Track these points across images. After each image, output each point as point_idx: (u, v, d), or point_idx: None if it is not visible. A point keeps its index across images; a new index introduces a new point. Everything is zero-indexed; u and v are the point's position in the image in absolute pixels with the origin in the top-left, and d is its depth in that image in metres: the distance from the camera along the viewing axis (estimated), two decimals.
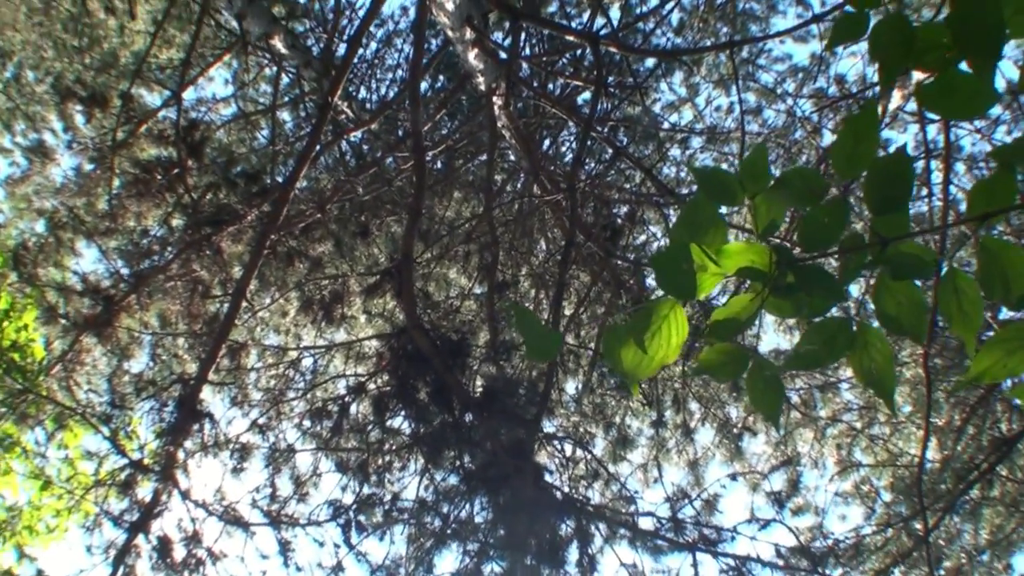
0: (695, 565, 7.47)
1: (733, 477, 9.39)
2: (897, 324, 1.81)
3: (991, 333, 1.74)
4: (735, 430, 10.60)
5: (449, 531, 7.14)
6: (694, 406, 10.77)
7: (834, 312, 1.87)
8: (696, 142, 11.43)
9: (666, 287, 1.86)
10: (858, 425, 10.93)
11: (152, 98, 11.26)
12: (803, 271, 1.80)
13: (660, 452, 10.40)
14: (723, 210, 1.95)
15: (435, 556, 7.11)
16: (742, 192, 1.87)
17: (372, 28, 11.13)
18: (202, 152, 8.90)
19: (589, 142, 9.36)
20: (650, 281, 10.12)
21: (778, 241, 1.82)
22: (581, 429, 9.83)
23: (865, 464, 10.84)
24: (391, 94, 11.84)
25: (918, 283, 1.81)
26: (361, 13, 10.26)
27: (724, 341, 1.93)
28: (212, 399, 8.57)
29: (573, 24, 10.24)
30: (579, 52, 9.83)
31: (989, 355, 1.73)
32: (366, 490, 7.81)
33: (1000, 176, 1.77)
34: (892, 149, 2.24)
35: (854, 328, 1.86)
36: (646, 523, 7.82)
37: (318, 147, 8.37)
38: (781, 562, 8.04)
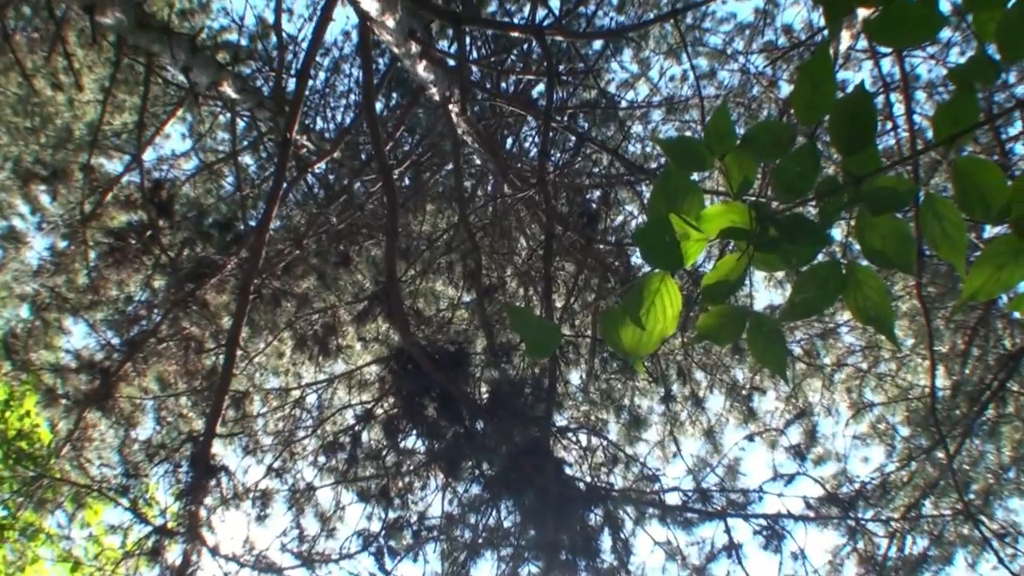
0: (728, 531, 7.50)
1: (750, 438, 9.42)
2: (884, 258, 1.82)
3: (978, 253, 1.76)
4: (744, 392, 10.62)
5: (480, 540, 7.15)
6: (700, 375, 10.80)
7: (822, 257, 1.88)
8: (656, 115, 11.46)
9: (653, 261, 1.87)
10: (864, 366, 10.97)
11: (113, 165, 11.24)
12: (784, 222, 1.81)
13: (674, 426, 10.42)
14: (696, 177, 1.96)
15: (471, 568, 7.12)
16: (711, 155, 1.88)
17: (318, 58, 11.13)
18: (171, 210, 8.90)
19: (551, 133, 9.37)
20: (635, 259, 10.15)
21: (755, 197, 1.83)
22: (592, 417, 9.84)
23: (877, 403, 10.88)
24: (348, 120, 11.83)
25: (899, 215, 1.82)
26: (305, 45, 10.25)
27: (718, 304, 1.94)
28: (224, 452, 8.57)
29: (516, 20, 10.25)
30: (526, 46, 9.85)
31: (980, 272, 1.74)
32: (392, 515, 7.81)
33: (960, 97, 1.78)
34: (850, 89, 2.25)
35: (844, 270, 1.87)
36: (673, 498, 7.84)
37: (285, 185, 8.35)
38: (812, 513, 8.07)
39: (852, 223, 1.84)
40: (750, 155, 1.87)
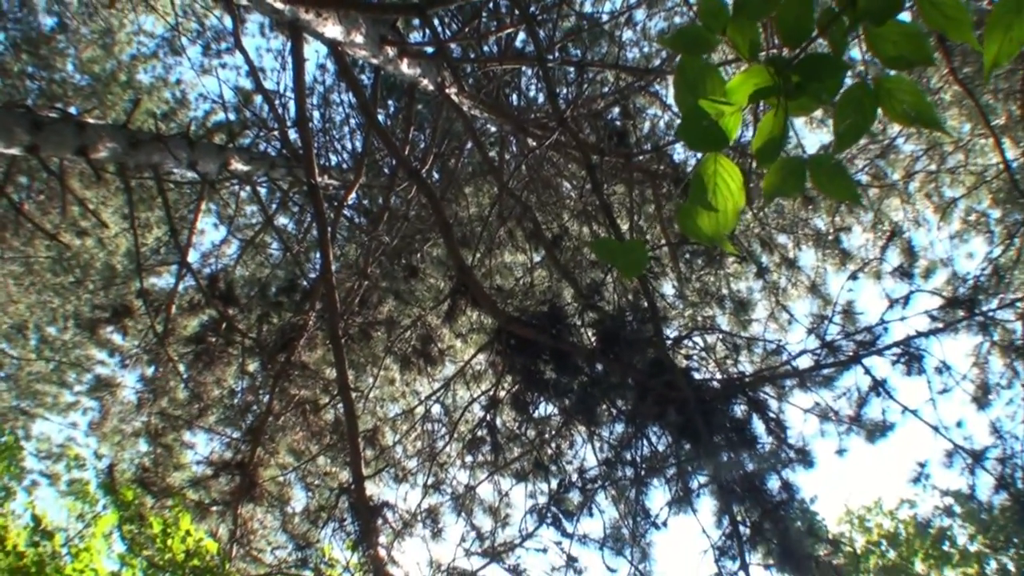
0: (868, 372, 7.51)
1: (854, 277, 9.38)
2: (904, 61, 1.87)
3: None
4: (831, 237, 10.59)
5: (643, 472, 7.25)
6: (782, 239, 10.79)
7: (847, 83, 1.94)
8: (640, 14, 11.42)
9: (700, 147, 1.95)
10: (933, 167, 10.88)
11: (165, 280, 11.53)
12: (802, 65, 1.88)
13: (778, 295, 10.43)
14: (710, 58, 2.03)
15: (645, 500, 7.23)
16: (712, 34, 1.95)
17: (307, 100, 11.26)
18: (235, 296, 9.09)
19: (551, 73, 9.40)
20: (678, 156, 10.16)
21: (769, 54, 1.90)
22: (699, 318, 9.89)
23: (959, 197, 10.79)
24: (358, 143, 11.96)
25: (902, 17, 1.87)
26: (291, 94, 10.37)
27: (773, 161, 2.01)
28: (378, 490, 8.75)
29: None
30: (492, 4, 9.87)
31: (993, 40, 1.78)
32: (553, 482, 7.95)
33: None
34: None
35: (872, 86, 1.93)
36: (805, 362, 7.86)
37: (328, 228, 8.49)
38: (940, 324, 8.04)
39: (863, 41, 1.89)
40: (747, 19, 1.93)
